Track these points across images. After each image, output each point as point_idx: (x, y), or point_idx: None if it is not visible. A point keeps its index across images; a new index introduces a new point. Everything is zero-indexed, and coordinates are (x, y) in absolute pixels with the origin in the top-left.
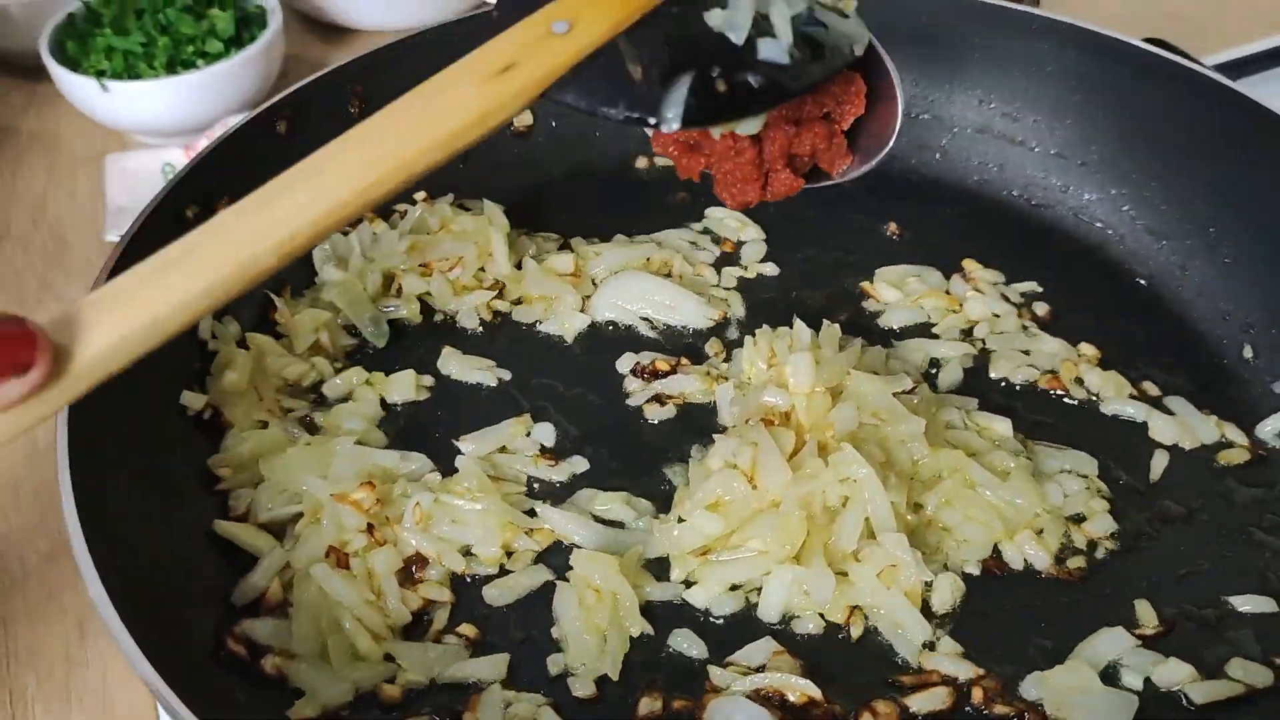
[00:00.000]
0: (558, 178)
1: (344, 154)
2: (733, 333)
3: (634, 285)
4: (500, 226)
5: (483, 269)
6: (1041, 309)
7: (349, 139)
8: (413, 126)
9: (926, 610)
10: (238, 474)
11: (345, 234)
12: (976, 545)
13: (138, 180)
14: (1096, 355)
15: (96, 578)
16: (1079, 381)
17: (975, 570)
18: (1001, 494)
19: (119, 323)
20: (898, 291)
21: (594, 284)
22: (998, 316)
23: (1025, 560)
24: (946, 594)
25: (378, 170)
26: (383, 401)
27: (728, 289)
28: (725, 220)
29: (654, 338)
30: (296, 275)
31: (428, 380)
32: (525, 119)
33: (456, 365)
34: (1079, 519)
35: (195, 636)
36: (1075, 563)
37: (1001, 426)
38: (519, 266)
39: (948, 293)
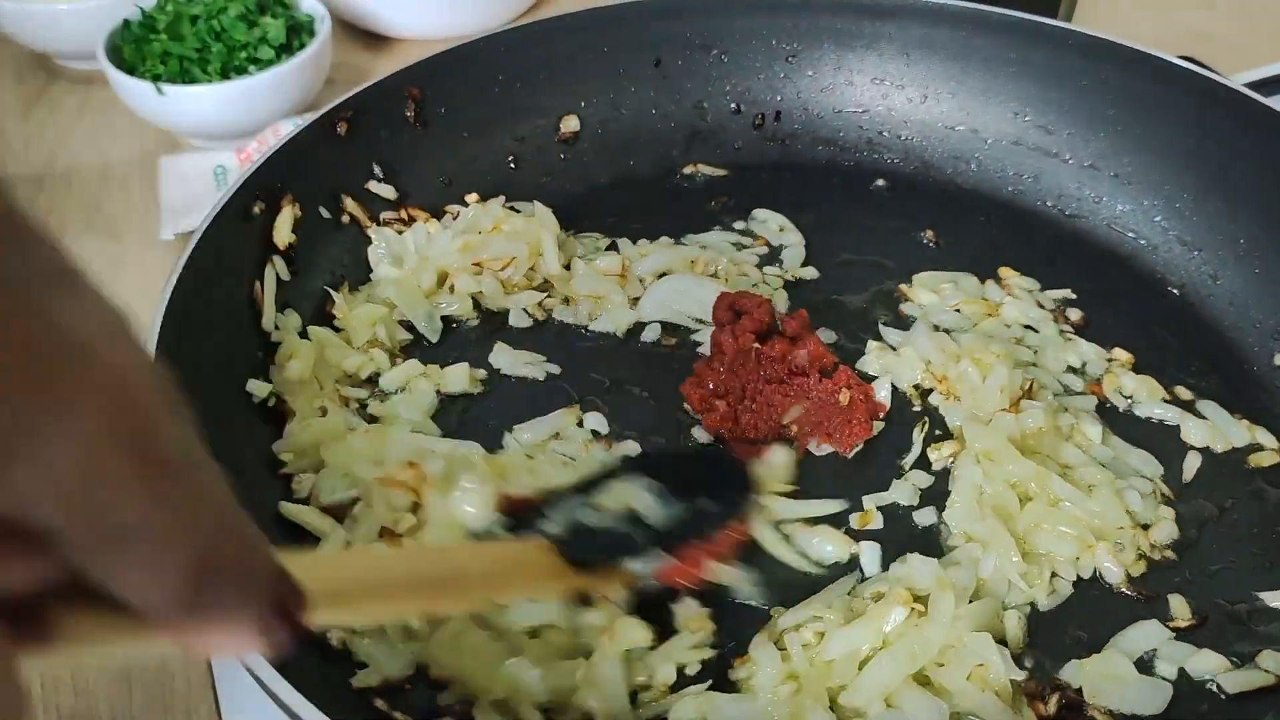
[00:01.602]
0: (604, 183)
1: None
2: None
3: (681, 286)
4: (551, 228)
5: (533, 268)
6: (1075, 315)
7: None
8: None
9: None
10: (299, 459)
11: (400, 234)
12: (1064, 562)
13: (191, 181)
14: (1130, 360)
15: None
16: (1115, 387)
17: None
18: (1088, 508)
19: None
20: (934, 295)
21: (641, 284)
22: (1033, 326)
23: (1097, 573)
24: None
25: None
26: (438, 393)
27: (774, 289)
28: (768, 223)
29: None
30: (353, 272)
31: (481, 374)
32: (572, 125)
33: (507, 360)
34: (1145, 526)
35: None
36: (1137, 569)
37: (1093, 432)
38: (568, 267)
39: (984, 298)
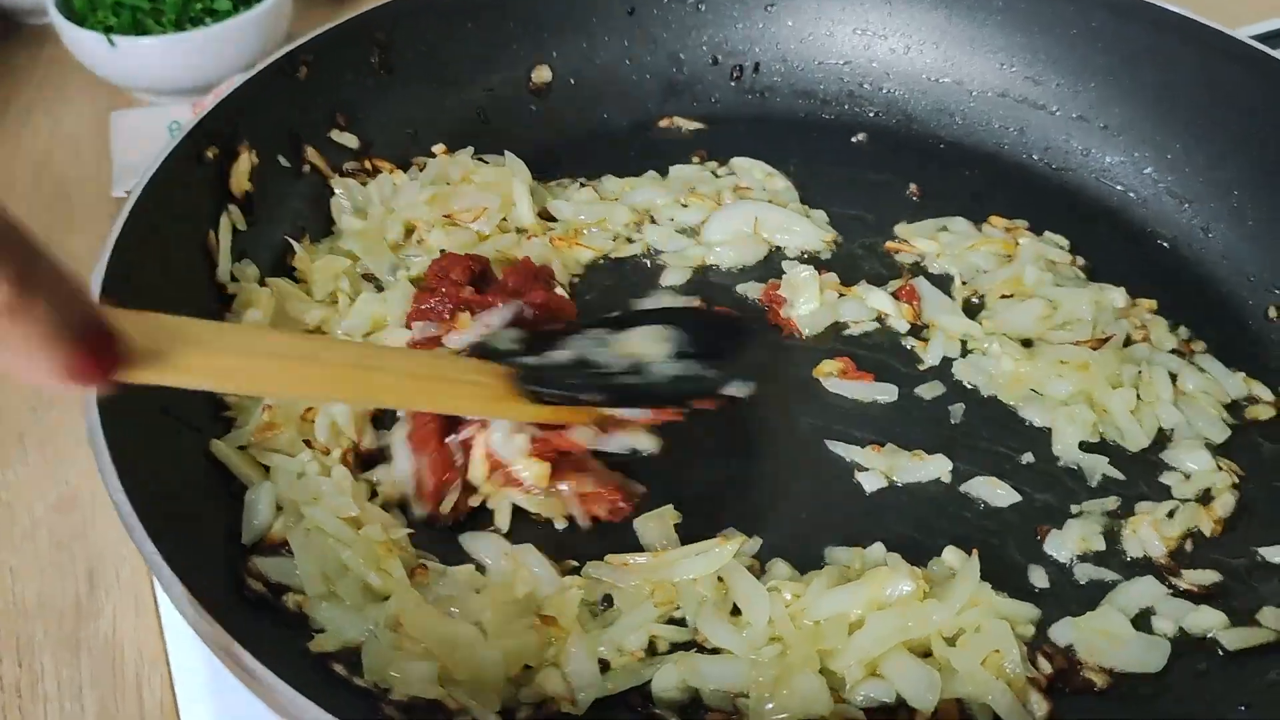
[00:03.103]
0: (577, 136)
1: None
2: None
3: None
4: (523, 176)
5: (505, 219)
6: (1080, 261)
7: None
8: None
9: None
10: (244, 400)
11: (364, 184)
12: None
13: (144, 138)
14: (1153, 305)
15: (136, 518)
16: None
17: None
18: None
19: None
20: (933, 242)
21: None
22: (1054, 263)
23: (1144, 552)
24: None
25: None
26: None
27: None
28: (752, 170)
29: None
30: (315, 224)
31: None
32: (544, 75)
33: None
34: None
35: (217, 574)
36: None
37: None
38: (542, 216)
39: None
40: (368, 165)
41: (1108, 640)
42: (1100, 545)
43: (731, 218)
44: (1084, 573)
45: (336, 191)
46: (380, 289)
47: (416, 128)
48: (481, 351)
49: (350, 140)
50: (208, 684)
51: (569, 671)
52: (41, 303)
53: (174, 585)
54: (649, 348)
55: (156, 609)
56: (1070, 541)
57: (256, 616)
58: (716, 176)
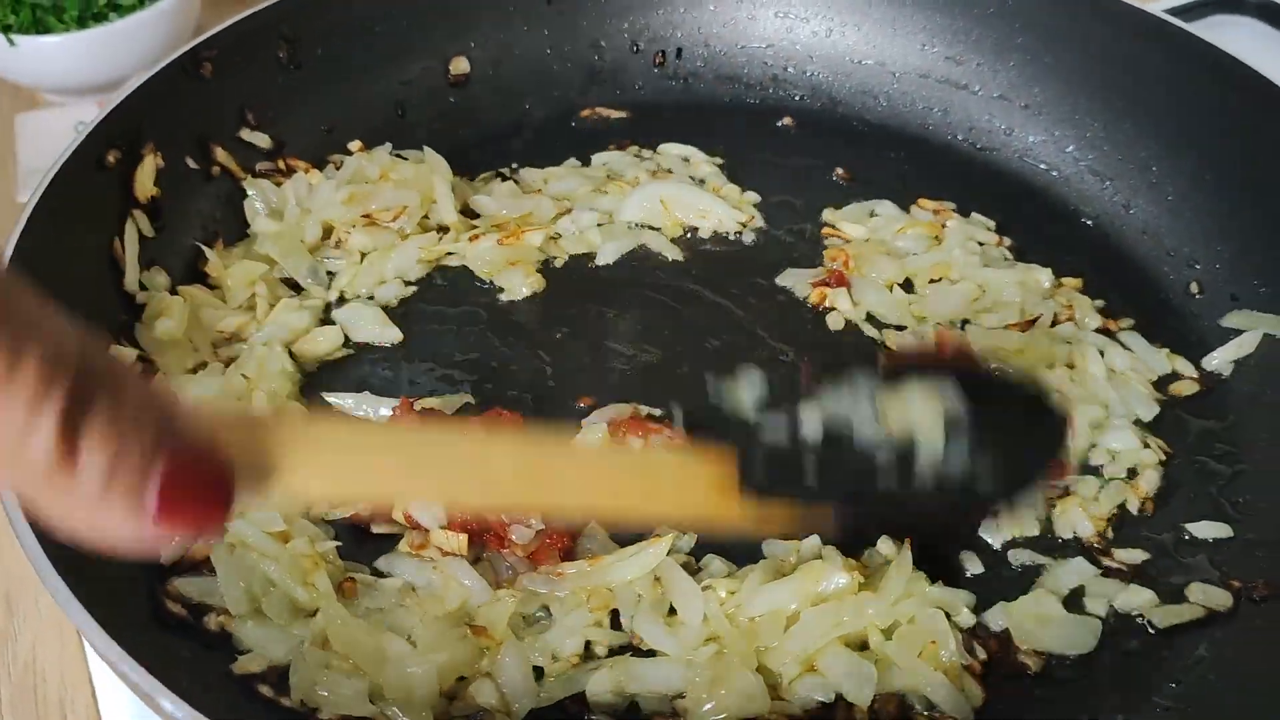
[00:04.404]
0: (498, 128)
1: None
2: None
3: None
4: (443, 173)
5: (426, 216)
6: (1008, 242)
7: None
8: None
9: None
10: None
11: (278, 185)
12: None
13: (50, 140)
14: (1079, 284)
15: (37, 544)
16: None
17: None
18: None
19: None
20: (861, 227)
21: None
22: (982, 244)
23: (1074, 533)
24: None
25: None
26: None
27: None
28: (676, 153)
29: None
30: (228, 227)
31: None
32: (462, 66)
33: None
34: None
35: (134, 599)
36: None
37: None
38: (463, 213)
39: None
40: (282, 165)
41: (1040, 623)
42: (1034, 530)
43: (644, 199)
44: (1017, 558)
45: (250, 193)
46: (299, 291)
47: (331, 124)
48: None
49: (262, 140)
50: (133, 706)
51: (502, 681)
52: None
53: (82, 616)
54: (924, 416)
55: (79, 631)
56: (1004, 527)
57: (176, 642)
58: (641, 160)
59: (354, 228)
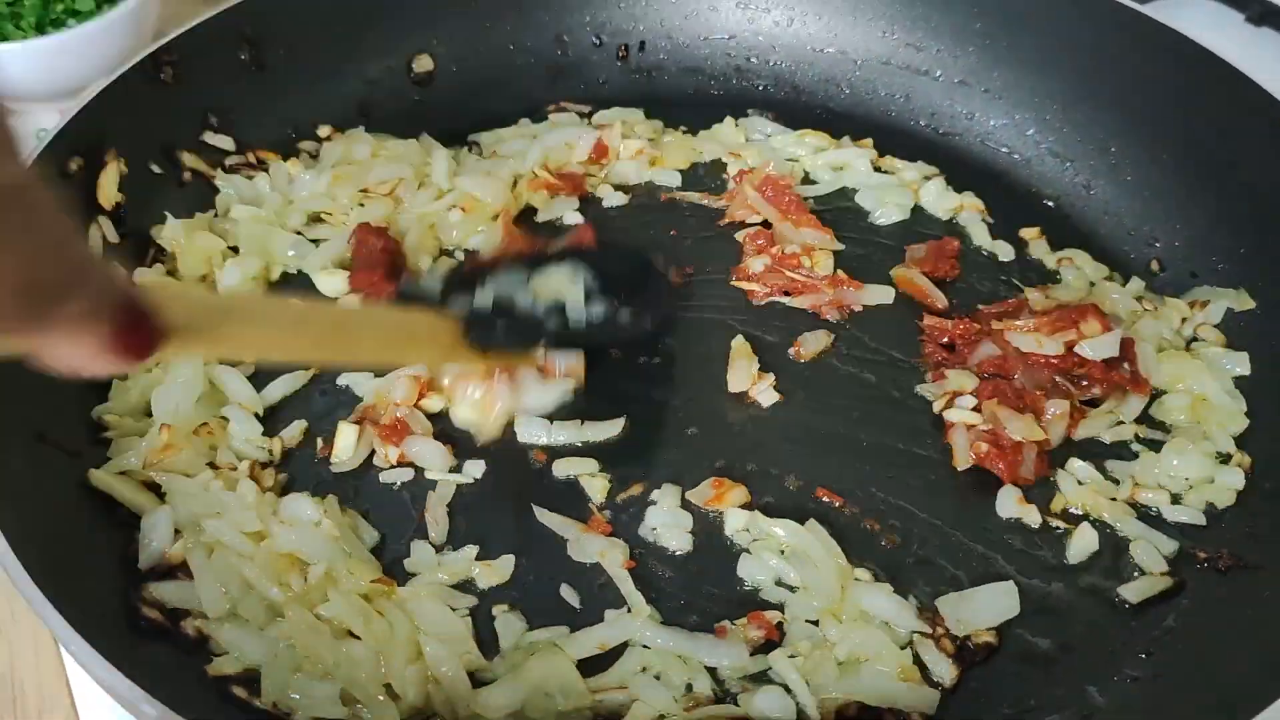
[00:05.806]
0: (463, 126)
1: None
2: None
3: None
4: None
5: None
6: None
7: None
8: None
9: None
10: (123, 421)
11: (250, 179)
12: None
13: None
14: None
15: (10, 552)
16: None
17: None
18: None
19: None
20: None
21: None
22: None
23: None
24: None
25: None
26: None
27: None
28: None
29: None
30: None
31: None
32: (426, 64)
33: None
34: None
35: (111, 606)
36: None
37: None
38: None
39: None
40: (251, 158)
41: (958, 601)
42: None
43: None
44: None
45: (222, 188)
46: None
47: (295, 125)
48: (409, 295)
49: (225, 142)
50: (112, 715)
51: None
52: (87, 286)
53: (59, 623)
54: (565, 287)
55: (56, 641)
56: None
57: (153, 648)
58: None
59: (353, 209)
